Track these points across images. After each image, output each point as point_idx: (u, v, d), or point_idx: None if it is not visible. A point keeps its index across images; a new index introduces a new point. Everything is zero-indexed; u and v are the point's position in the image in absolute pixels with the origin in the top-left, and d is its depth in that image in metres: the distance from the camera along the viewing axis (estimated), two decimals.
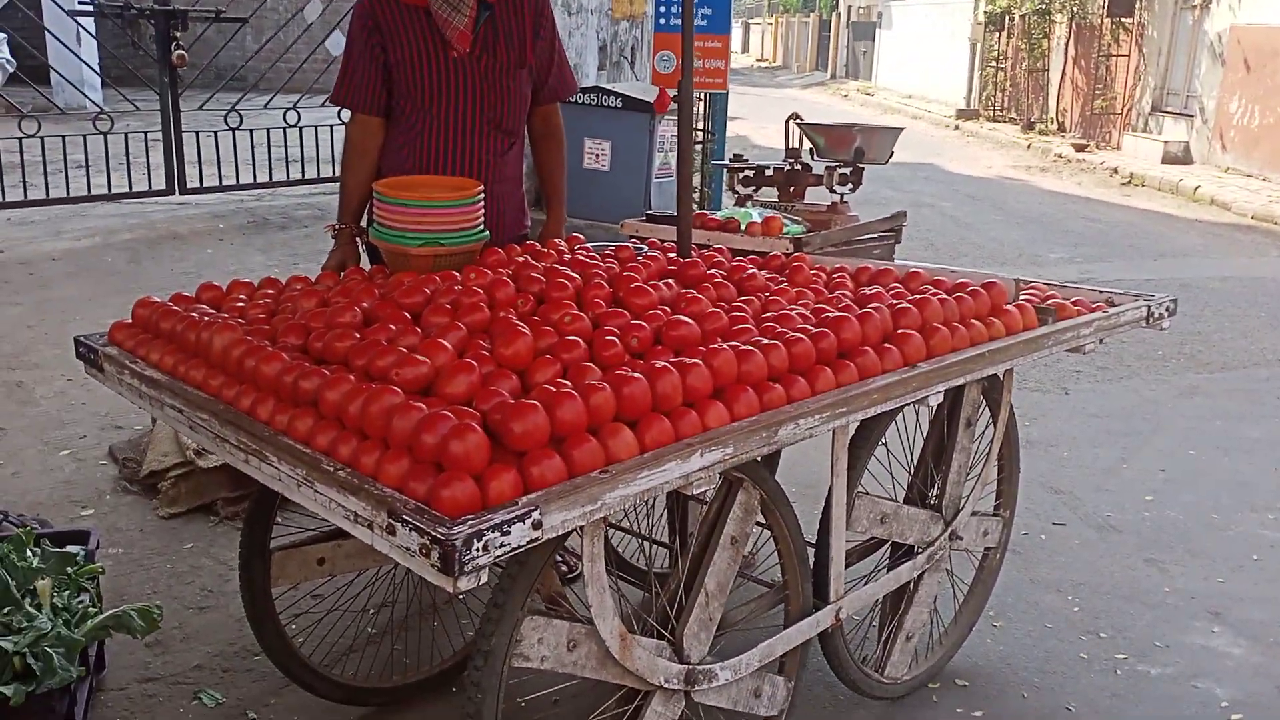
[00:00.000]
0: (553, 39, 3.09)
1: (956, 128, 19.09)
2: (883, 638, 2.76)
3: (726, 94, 8.17)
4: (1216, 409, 5.21)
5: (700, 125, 8.32)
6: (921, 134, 18.89)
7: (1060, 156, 15.01)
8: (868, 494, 2.50)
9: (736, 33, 58.04)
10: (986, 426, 2.83)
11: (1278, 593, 3.42)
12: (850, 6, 33.79)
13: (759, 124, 18.50)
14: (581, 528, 1.65)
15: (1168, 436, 4.82)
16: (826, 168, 3.45)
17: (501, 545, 1.43)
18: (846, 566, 2.65)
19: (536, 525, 1.46)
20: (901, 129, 3.50)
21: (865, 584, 2.57)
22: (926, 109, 21.52)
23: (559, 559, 3.07)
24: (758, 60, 46.00)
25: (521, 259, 2.57)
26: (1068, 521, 3.90)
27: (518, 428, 1.57)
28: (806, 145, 3.57)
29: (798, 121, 3.58)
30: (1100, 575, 3.50)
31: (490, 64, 2.92)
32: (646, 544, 2.98)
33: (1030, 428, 4.84)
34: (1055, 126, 17.21)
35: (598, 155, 7.11)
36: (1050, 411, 5.10)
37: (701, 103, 8.70)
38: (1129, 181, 13.15)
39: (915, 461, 2.78)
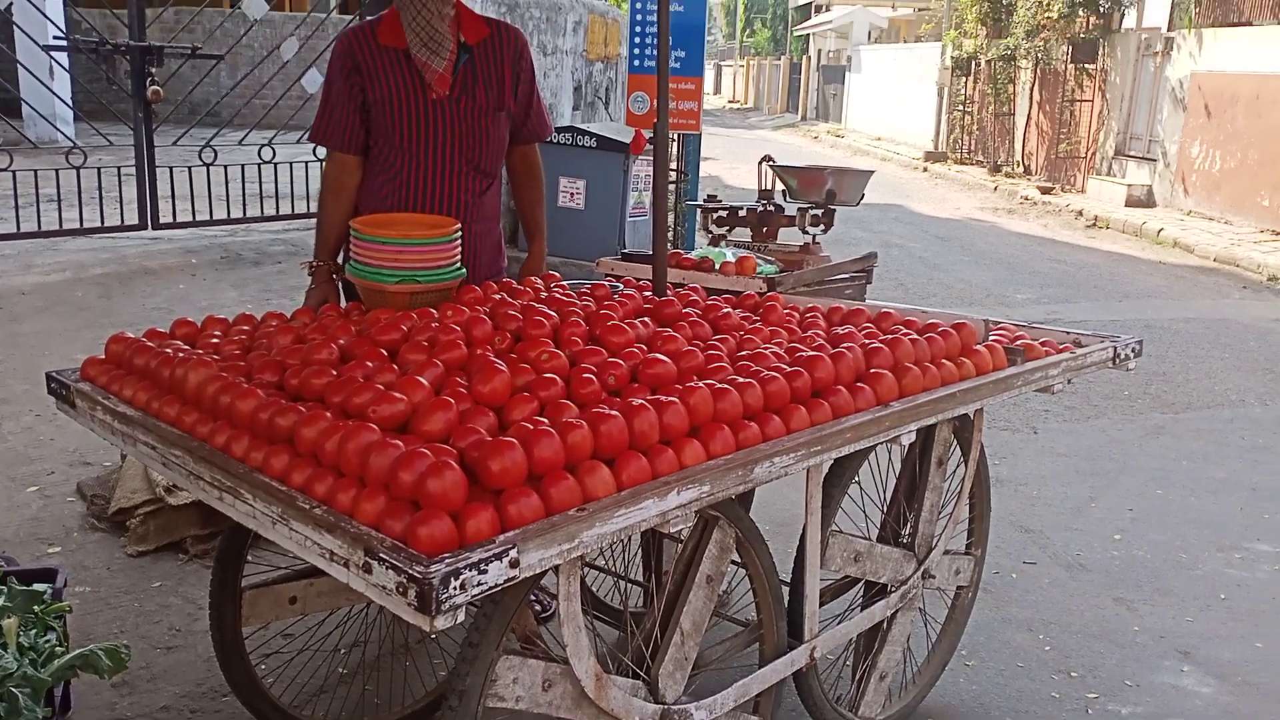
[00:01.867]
0: (531, 82, 3.13)
1: (925, 169, 19.39)
2: (856, 676, 2.76)
3: (700, 135, 8.27)
4: (1182, 449, 5.28)
5: (674, 165, 8.42)
6: (890, 175, 19.17)
7: (1026, 199, 15.27)
8: (842, 532, 2.52)
9: (709, 75, 58.89)
10: (958, 465, 2.86)
11: (1245, 631, 3.46)
12: (820, 50, 34.42)
13: (730, 164, 18.73)
14: (557, 566, 1.65)
15: (1135, 476, 4.88)
16: (799, 209, 3.50)
17: (479, 584, 1.43)
18: (820, 605, 2.67)
19: (514, 564, 1.47)
20: (872, 172, 3.56)
21: (839, 623, 2.58)
22: (895, 151, 21.85)
23: (533, 598, 3.06)
24: (729, 102, 46.62)
25: (499, 296, 2.58)
26: (1038, 560, 3.93)
27: (495, 465, 1.58)
28: (780, 186, 3.62)
29: (771, 164, 3.64)
30: (1070, 614, 3.53)
31: (469, 106, 2.95)
32: (621, 582, 2.97)
33: (1000, 466, 4.89)
34: (1021, 169, 17.52)
35: (572, 194, 7.16)
36: (1019, 451, 5.15)
37: (675, 143, 8.80)
38: (1094, 224, 13.40)
39: (888, 500, 2.80)
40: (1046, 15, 16.37)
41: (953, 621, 3.00)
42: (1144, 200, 14.11)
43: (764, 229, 3.56)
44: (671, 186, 8.66)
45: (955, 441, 2.79)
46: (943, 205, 14.95)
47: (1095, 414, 5.79)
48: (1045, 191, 15.43)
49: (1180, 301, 9.00)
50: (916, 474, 2.73)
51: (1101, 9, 15.53)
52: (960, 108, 19.87)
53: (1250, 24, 13.07)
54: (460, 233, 2.68)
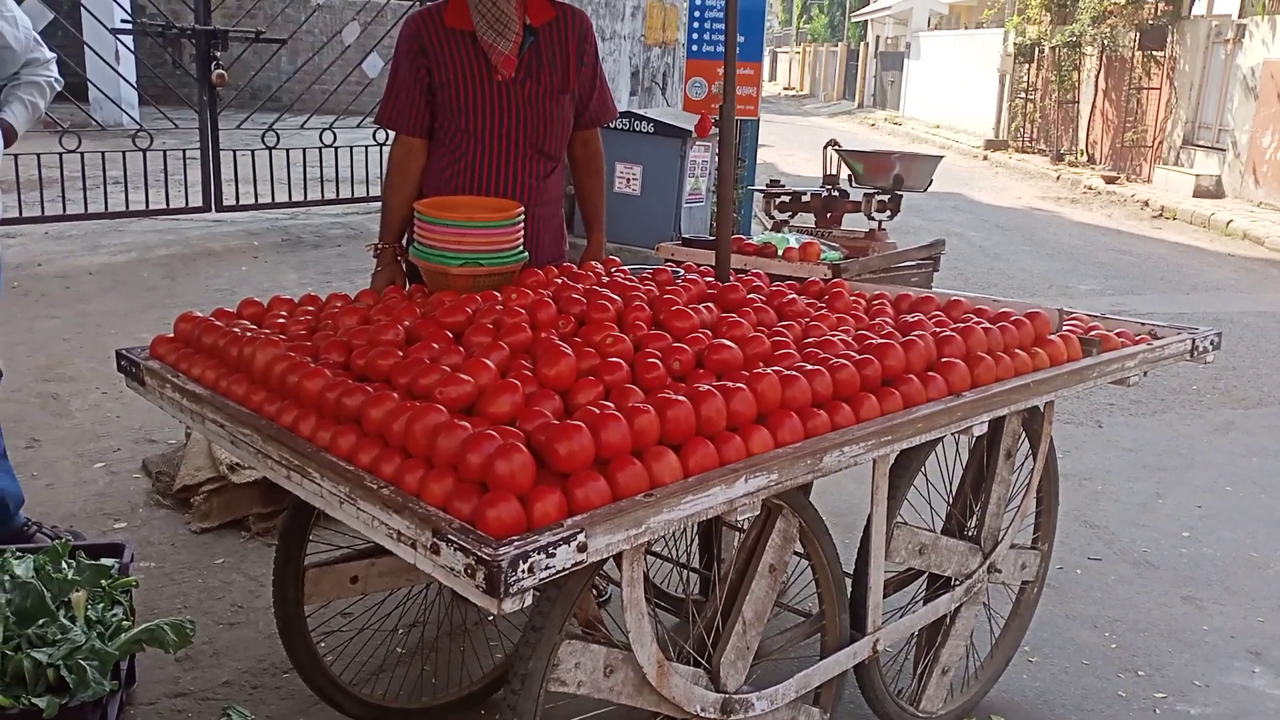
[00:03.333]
0: (595, 65, 3.10)
1: (985, 158, 19.05)
2: (918, 671, 2.71)
3: (757, 120, 8.19)
4: (1253, 445, 5.13)
5: (739, 155, 8.36)
6: (950, 164, 18.83)
7: (1090, 188, 14.93)
8: (907, 524, 2.47)
9: (764, 61, 58.44)
10: (1025, 458, 2.79)
11: None
12: (878, 36, 33.94)
13: (786, 152, 18.56)
14: (621, 552, 1.64)
15: (1203, 472, 4.74)
16: (865, 195, 3.44)
17: (547, 567, 1.41)
18: (883, 598, 2.62)
19: (581, 548, 1.45)
20: (941, 157, 3.49)
21: (902, 616, 2.53)
22: (955, 139, 21.50)
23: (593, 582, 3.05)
24: (785, 89, 46.20)
25: (561, 280, 2.57)
26: (1104, 556, 3.84)
27: (563, 449, 1.56)
28: (845, 172, 3.56)
29: (836, 148, 3.57)
30: (1138, 612, 3.44)
31: (534, 89, 2.93)
32: (680, 570, 2.95)
33: (1064, 460, 4.77)
34: (1085, 158, 17.14)
35: (629, 180, 7.14)
36: (1084, 444, 5.04)
37: (740, 128, 8.73)
38: (1160, 214, 13.06)
39: (954, 492, 2.75)
40: (1114, 1, 15.97)
41: (1017, 617, 2.93)
42: (1213, 191, 13.72)
43: (828, 214, 3.50)
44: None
45: (1023, 433, 2.72)
46: (1004, 194, 14.67)
47: (1162, 408, 5.64)
48: (1110, 181, 15.07)
49: (1250, 295, 8.74)
50: (984, 466, 2.67)
51: None
52: (1022, 95, 19.47)
53: None
54: (523, 216, 2.66)
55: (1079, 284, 8.77)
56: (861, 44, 34.89)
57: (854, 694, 2.53)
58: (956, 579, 2.61)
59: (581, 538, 1.45)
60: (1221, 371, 6.32)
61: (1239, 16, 14.23)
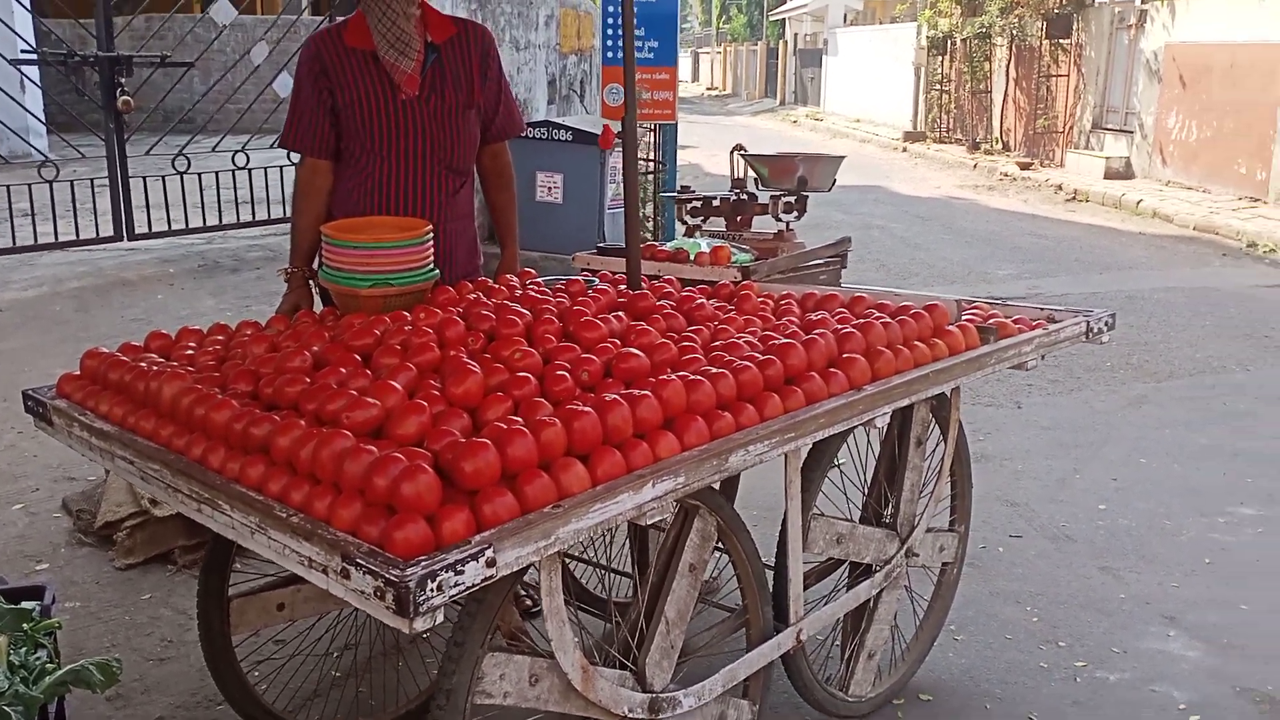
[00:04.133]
0: (499, 79, 3.13)
1: (904, 150, 19.42)
2: (845, 656, 2.79)
3: (675, 124, 8.27)
4: (1165, 417, 5.32)
5: (651, 156, 8.41)
6: (870, 157, 19.21)
7: (1006, 175, 15.31)
8: (824, 515, 2.54)
9: (686, 62, 58.88)
10: (938, 444, 2.88)
11: (1230, 595, 3.50)
12: (796, 34, 34.38)
13: (710, 151, 18.71)
14: (538, 562, 1.67)
15: (1118, 446, 4.91)
16: (771, 197, 3.51)
17: (456, 584, 1.44)
18: (806, 587, 2.68)
19: (490, 563, 1.48)
20: (843, 157, 3.57)
21: (825, 604, 2.60)
22: (875, 132, 21.88)
23: (521, 593, 3.07)
24: (708, 89, 46.56)
25: (474, 296, 2.59)
26: (1024, 533, 3.97)
27: (469, 466, 1.59)
28: (752, 175, 3.63)
29: (742, 153, 3.65)
30: (1057, 585, 3.56)
31: (439, 105, 2.95)
32: (608, 574, 2.99)
33: (985, 442, 4.92)
34: (1000, 146, 17.57)
35: (550, 188, 7.16)
36: (1004, 426, 5.18)
37: (651, 133, 8.81)
38: (1073, 197, 13.45)
39: (869, 481, 2.83)
40: None
41: (939, 598, 3.02)
42: (1122, 172, 14.16)
43: (738, 218, 3.57)
44: (649, 177, 8.67)
45: (934, 420, 2.81)
46: (923, 185, 14.98)
47: (1078, 386, 5.83)
48: (1024, 167, 15.47)
49: (1161, 271, 9.05)
50: (896, 455, 2.75)
51: None
52: (937, 87, 19.89)
53: None
54: (432, 234, 2.68)
55: (997, 269, 9.00)
56: (780, 42, 35.31)
57: (785, 683, 2.59)
58: (876, 565, 2.69)
59: (490, 553, 1.48)
60: (1134, 348, 6.55)
61: (1141, 2, 14.70)
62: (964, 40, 18.54)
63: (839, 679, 2.76)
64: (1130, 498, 4.32)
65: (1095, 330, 2.91)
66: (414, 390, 1.91)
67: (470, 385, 1.87)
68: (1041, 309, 3.04)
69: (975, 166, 16.45)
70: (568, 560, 3.11)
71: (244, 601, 2.53)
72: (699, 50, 54.30)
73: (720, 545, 2.27)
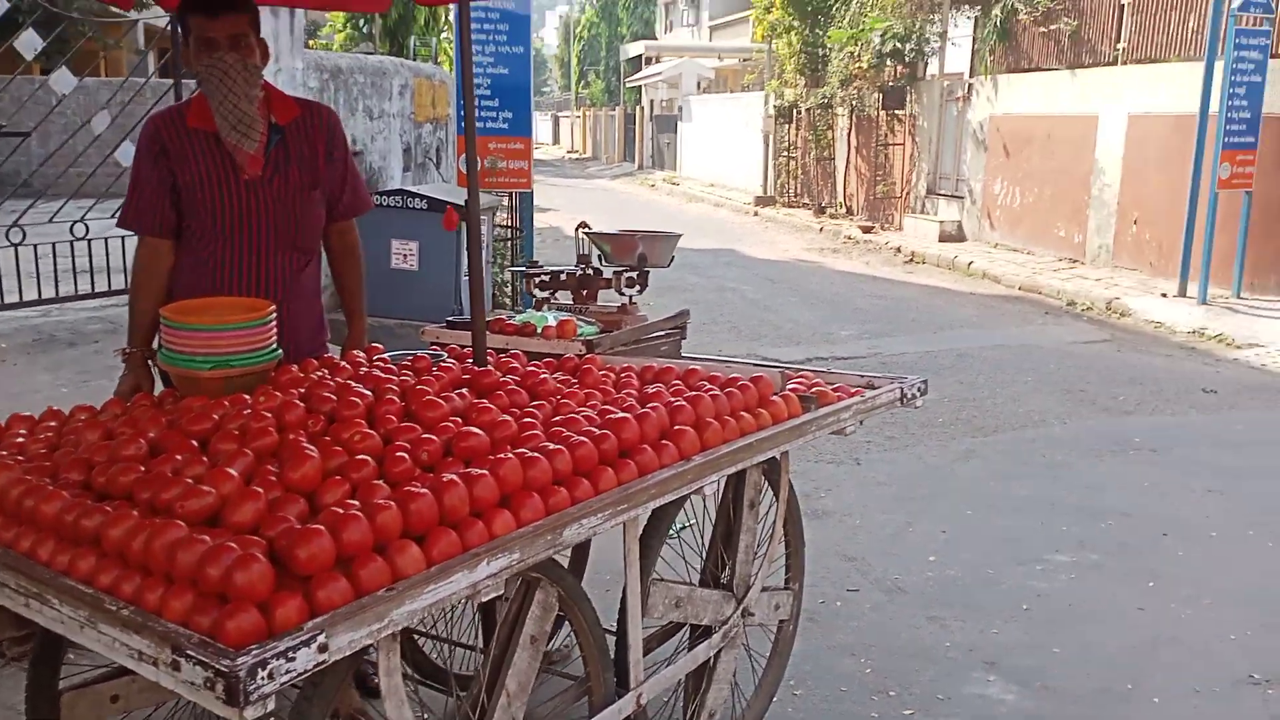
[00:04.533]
0: (345, 158, 3.19)
1: (756, 213, 20.17)
2: (687, 716, 2.89)
3: (531, 193, 8.44)
4: (990, 470, 5.70)
5: (508, 223, 8.55)
6: (724, 220, 19.87)
7: (850, 238, 16.09)
8: (663, 580, 2.66)
9: (547, 125, 59.72)
10: (771, 506, 3.04)
11: (1044, 639, 3.77)
12: (653, 100, 35.37)
13: (572, 214, 18.91)
14: (375, 643, 1.72)
15: (948, 499, 5.23)
16: (614, 272, 3.67)
17: (288, 671, 1.48)
18: (649, 651, 2.79)
19: (323, 648, 1.52)
20: (679, 235, 3.78)
21: (667, 666, 2.70)
22: (728, 196, 22.65)
23: (370, 671, 3.07)
24: (569, 152, 47.26)
25: (318, 375, 2.62)
26: (860, 587, 4.18)
27: (303, 553, 1.64)
28: (596, 251, 3.79)
29: (585, 231, 3.81)
30: (889, 636, 3.77)
31: (283, 186, 2.99)
32: (454, 648, 3.02)
33: (825, 499, 5.16)
34: (844, 210, 18.46)
35: (405, 256, 7.18)
36: (844, 482, 5.45)
37: (508, 201, 8.95)
38: (911, 259, 14.24)
39: (707, 545, 2.96)
40: (858, 65, 17.39)
41: (777, 655, 3.17)
42: (955, 235, 15.10)
43: (584, 291, 3.71)
44: (507, 245, 8.79)
45: (767, 484, 2.98)
46: (773, 248, 15.58)
47: (913, 441, 6.17)
48: (867, 230, 16.30)
49: (989, 330, 9.67)
50: (731, 518, 2.90)
51: (907, 59, 16.61)
52: (785, 153, 20.80)
53: (1039, 69, 14.24)
54: (275, 314, 2.71)
55: (840, 330, 9.45)
56: (637, 108, 36.26)
57: None
58: (715, 626, 2.81)
59: (322, 638, 1.53)
60: (964, 404, 6.98)
61: (969, 76, 15.81)
62: (808, 110, 19.50)
63: None
64: (957, 549, 4.60)
65: (909, 396, 3.14)
66: (251, 476, 1.94)
67: (307, 470, 1.91)
68: (862, 375, 3.27)
69: (821, 230, 17.22)
70: (416, 635, 3.13)
71: (76, 695, 2.46)
72: (559, 114, 55.17)
73: (562, 614, 2.36)
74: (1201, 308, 9.96)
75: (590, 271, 3.73)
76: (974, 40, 15.68)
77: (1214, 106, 9.98)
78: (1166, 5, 12.31)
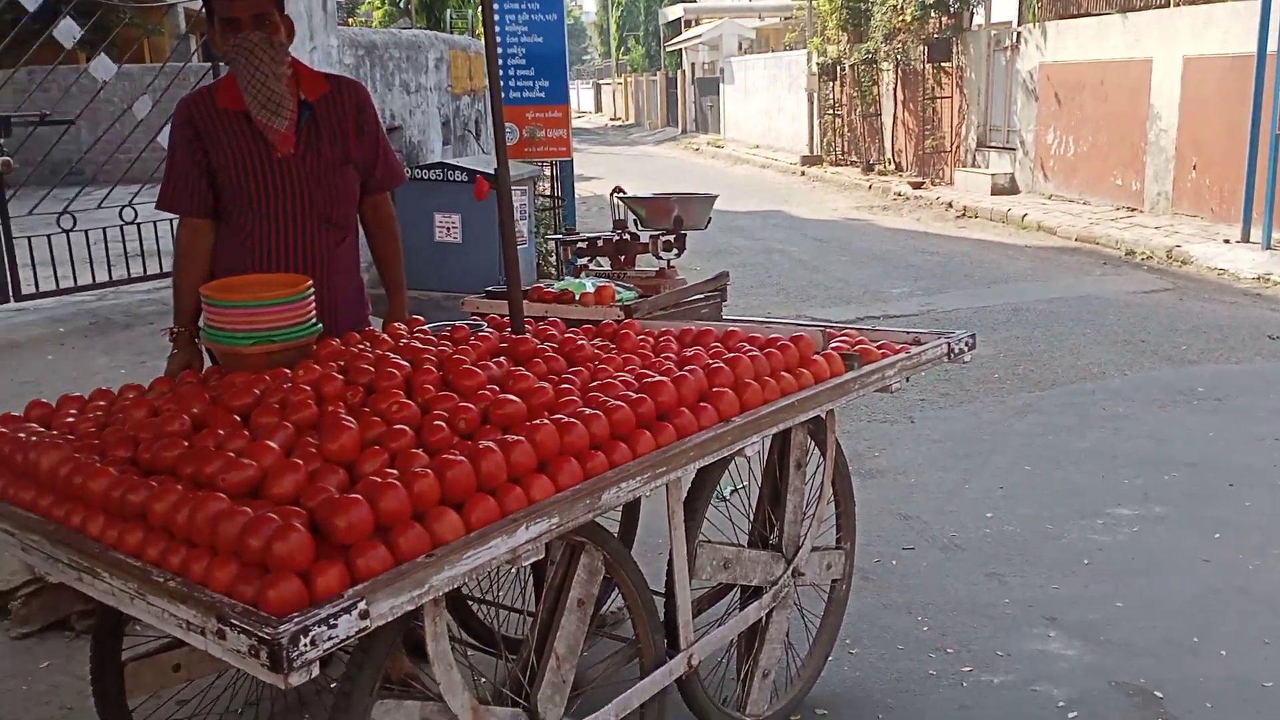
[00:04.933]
0: (376, 132, 3.19)
1: (803, 173, 19.91)
2: (741, 677, 2.88)
3: (571, 160, 8.41)
4: (1048, 424, 5.58)
5: (549, 193, 8.53)
6: (770, 181, 19.65)
7: (899, 195, 15.82)
8: (710, 542, 2.64)
9: (589, 94, 59.48)
10: (818, 466, 3.00)
11: (1106, 593, 3.70)
12: (694, 64, 34.99)
13: (615, 181, 18.86)
14: (421, 608, 1.72)
15: (1005, 455, 5.13)
16: (650, 236, 3.63)
17: (330, 638, 1.49)
18: (699, 613, 2.78)
19: (364, 615, 1.53)
20: (715, 196, 3.71)
21: (717, 628, 2.69)
22: (774, 157, 22.38)
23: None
24: (611, 119, 47.03)
25: (360, 348, 2.63)
26: (916, 545, 4.13)
27: (341, 522, 1.64)
28: (631, 216, 3.75)
29: (620, 195, 3.77)
30: (946, 593, 3.72)
31: (315, 162, 3.00)
32: (502, 612, 3.04)
33: (880, 458, 5.10)
34: (893, 167, 18.14)
35: (448, 229, 7.20)
36: (898, 441, 5.37)
37: (550, 169, 8.93)
38: (963, 214, 13.96)
39: (755, 506, 2.94)
40: (901, 19, 17.01)
41: (830, 614, 3.14)
42: (1008, 188, 14.76)
43: (621, 257, 3.68)
44: (550, 214, 8.78)
45: (814, 444, 2.94)
46: (821, 208, 15.38)
47: (968, 398, 6.06)
48: (916, 186, 16.01)
49: (1045, 283, 9.46)
50: (778, 479, 2.86)
51: (952, 9, 16.20)
52: (830, 111, 20.47)
53: (1089, 14, 13.81)
54: (312, 289, 2.72)
55: (891, 288, 9.30)
56: (679, 72, 35.91)
57: (684, 709, 2.67)
58: (765, 587, 2.79)
59: (363, 605, 1.53)
60: (1020, 358, 6.84)
61: (1016, 24, 15.39)
62: (852, 66, 19.14)
63: (736, 699, 2.85)
64: (1015, 504, 4.52)
65: (957, 351, 3.07)
66: (291, 448, 1.96)
67: (345, 440, 1.92)
68: (908, 332, 3.20)
69: (870, 188, 16.95)
70: (469, 600, 3.16)
71: (139, 665, 2.52)
72: (600, 82, 54.90)
73: (609, 578, 2.35)
74: (1266, 253, 9.63)
75: (627, 237, 3.70)
76: None
77: (1272, 46, 9.59)
78: None
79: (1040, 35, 14.52)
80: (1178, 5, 12.28)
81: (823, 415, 2.79)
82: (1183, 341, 7.12)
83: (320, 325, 2.73)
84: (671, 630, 2.49)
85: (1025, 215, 12.83)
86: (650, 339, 2.90)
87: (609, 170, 21.05)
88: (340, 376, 2.28)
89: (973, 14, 16.35)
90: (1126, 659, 3.25)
